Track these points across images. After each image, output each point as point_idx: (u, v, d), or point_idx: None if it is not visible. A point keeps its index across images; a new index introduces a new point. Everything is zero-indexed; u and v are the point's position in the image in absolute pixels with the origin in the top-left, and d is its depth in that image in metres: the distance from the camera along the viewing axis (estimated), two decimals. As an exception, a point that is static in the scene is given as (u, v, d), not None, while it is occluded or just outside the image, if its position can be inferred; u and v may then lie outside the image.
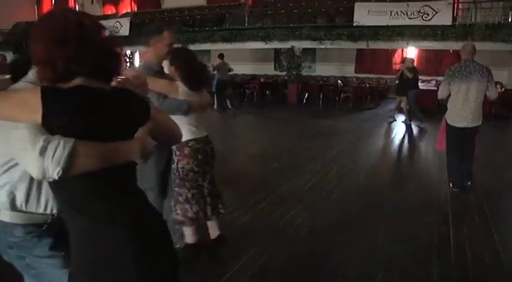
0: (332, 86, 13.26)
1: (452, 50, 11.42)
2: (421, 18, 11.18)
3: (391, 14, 11.54)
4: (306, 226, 3.50)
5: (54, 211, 1.35)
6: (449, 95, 4.32)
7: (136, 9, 19.33)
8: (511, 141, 7.86)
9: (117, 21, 16.20)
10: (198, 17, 15.81)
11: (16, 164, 1.25)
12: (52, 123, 1.04)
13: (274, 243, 3.18)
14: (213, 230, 2.96)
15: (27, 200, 1.32)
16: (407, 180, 5.10)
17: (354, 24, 11.91)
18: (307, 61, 14.83)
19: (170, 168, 2.80)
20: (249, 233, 3.33)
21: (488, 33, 10.13)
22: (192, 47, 12.26)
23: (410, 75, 8.57)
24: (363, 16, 11.85)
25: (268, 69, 16.26)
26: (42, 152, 1.01)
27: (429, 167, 5.59)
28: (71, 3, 21.20)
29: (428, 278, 2.69)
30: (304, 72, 13.84)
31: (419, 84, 12.66)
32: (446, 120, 4.44)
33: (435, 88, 11.17)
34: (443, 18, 10.87)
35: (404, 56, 12.40)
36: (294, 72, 13.31)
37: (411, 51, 13.58)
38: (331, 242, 3.24)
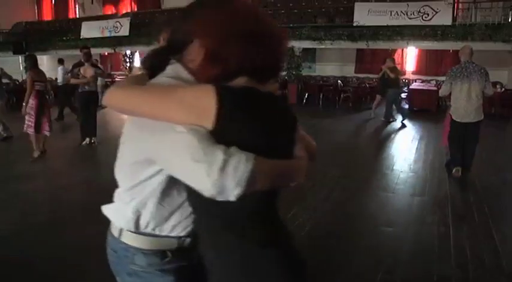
0: (332, 86, 13.25)
1: (452, 50, 11.41)
2: (421, 18, 11.18)
3: (391, 14, 11.53)
4: (306, 226, 3.50)
5: (182, 233, 1.12)
6: (450, 93, 4.84)
7: (136, 9, 19.32)
8: (511, 141, 7.86)
9: (117, 21, 16.20)
10: (198, 17, 15.76)
11: (151, 177, 1.02)
12: (225, 130, 0.85)
13: (274, 243, 3.18)
14: None
15: (155, 221, 1.09)
16: (407, 180, 5.10)
17: (354, 24, 11.90)
18: (307, 61, 14.80)
19: None
20: (249, 233, 3.33)
21: (488, 33, 10.12)
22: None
23: (392, 75, 8.82)
24: (363, 16, 11.85)
25: (268, 69, 16.24)
26: (223, 167, 0.80)
27: (429, 166, 5.59)
28: (71, 3, 21.23)
29: (428, 278, 2.69)
30: (304, 72, 13.83)
31: (420, 84, 12.80)
32: (451, 116, 4.87)
33: (435, 88, 11.20)
34: (443, 18, 10.86)
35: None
36: (294, 72, 13.30)
37: (411, 51, 13.58)
38: (331, 242, 3.24)
